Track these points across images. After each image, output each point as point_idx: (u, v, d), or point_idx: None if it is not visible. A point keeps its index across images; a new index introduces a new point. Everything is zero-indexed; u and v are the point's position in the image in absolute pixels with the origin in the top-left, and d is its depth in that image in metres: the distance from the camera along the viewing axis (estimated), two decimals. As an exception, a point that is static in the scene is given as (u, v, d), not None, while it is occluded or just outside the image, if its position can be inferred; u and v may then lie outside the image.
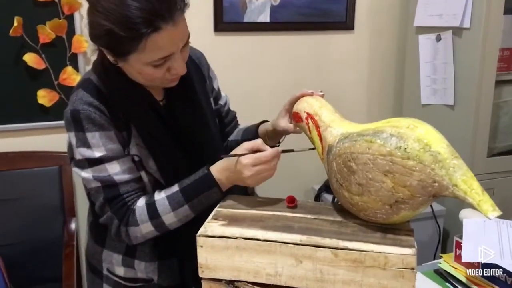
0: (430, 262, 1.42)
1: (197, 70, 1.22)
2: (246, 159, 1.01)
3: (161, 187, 1.09)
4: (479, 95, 2.09)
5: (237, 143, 1.24)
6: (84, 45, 2.07)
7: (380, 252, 0.83)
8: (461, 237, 1.26)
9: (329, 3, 2.41)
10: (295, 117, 1.15)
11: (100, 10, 0.93)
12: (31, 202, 2.02)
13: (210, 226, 0.92)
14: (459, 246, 1.27)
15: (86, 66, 2.12)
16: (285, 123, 1.20)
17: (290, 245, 0.86)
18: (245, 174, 1.01)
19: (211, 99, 1.26)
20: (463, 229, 1.26)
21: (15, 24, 1.92)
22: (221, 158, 1.06)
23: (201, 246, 0.90)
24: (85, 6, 2.05)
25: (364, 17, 2.53)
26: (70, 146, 1.08)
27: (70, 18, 2.04)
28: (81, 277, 2.23)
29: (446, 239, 2.34)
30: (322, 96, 1.16)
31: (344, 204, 0.96)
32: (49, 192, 2.06)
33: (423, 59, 2.32)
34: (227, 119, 1.35)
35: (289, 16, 2.37)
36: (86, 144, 1.03)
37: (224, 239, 0.89)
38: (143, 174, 1.09)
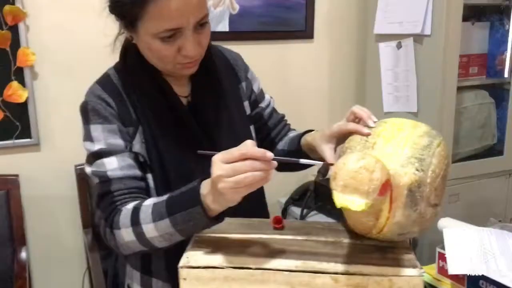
0: (411, 275, 1.38)
1: (231, 71, 1.17)
2: (217, 155, 0.81)
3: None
4: (442, 102, 2.10)
5: (283, 153, 1.17)
6: (30, 58, 1.92)
7: (383, 275, 0.77)
8: (443, 248, 1.23)
9: (288, 12, 2.38)
10: (384, 189, 0.76)
11: None
12: (-25, 231, 1.84)
13: (193, 255, 0.82)
14: (442, 257, 1.24)
15: (33, 80, 1.97)
16: (329, 153, 0.98)
17: (285, 272, 0.78)
18: (215, 174, 0.79)
19: (246, 103, 1.19)
20: (444, 240, 1.23)
21: (-48, 36, 1.76)
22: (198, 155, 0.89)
23: (184, 279, 0.80)
24: (30, 16, 1.95)
25: (323, 25, 2.51)
26: None
27: (14, 29, 1.90)
28: (34, 310, 2.06)
29: (414, 248, 2.32)
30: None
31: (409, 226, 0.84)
32: (-5, 219, 1.89)
33: (384, 66, 2.32)
34: (270, 122, 1.24)
35: (249, 25, 2.32)
36: (89, 137, 1.03)
37: (211, 269, 0.80)
38: (149, 176, 1.03)
